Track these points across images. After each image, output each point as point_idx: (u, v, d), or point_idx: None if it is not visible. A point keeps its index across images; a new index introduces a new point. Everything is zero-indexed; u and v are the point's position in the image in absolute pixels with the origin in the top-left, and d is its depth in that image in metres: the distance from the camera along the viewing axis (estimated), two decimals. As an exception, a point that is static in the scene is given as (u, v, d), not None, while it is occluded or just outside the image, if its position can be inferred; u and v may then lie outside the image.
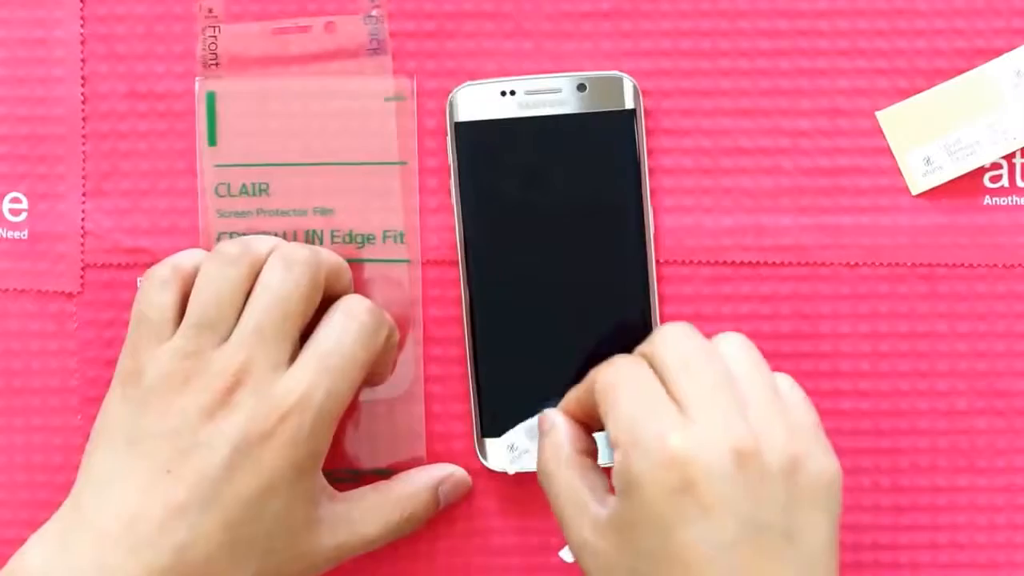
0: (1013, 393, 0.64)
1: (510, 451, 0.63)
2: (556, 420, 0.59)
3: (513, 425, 0.63)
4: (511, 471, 0.63)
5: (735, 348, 0.56)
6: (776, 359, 0.60)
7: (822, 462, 0.54)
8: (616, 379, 0.56)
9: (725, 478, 0.53)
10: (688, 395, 0.54)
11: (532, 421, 0.61)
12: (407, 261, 0.64)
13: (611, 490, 0.56)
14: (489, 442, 0.63)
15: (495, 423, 0.63)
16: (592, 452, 0.59)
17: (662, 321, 0.63)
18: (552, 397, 0.60)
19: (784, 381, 0.57)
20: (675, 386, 0.55)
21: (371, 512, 0.61)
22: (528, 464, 0.63)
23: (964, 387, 0.64)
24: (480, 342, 0.63)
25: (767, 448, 0.54)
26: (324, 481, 0.60)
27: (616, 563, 0.55)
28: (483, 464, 0.63)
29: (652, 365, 0.56)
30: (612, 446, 0.55)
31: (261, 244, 0.59)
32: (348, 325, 0.59)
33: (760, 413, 0.54)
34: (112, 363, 0.63)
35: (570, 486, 0.57)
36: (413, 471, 0.63)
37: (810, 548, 0.54)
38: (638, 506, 0.54)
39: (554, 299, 0.63)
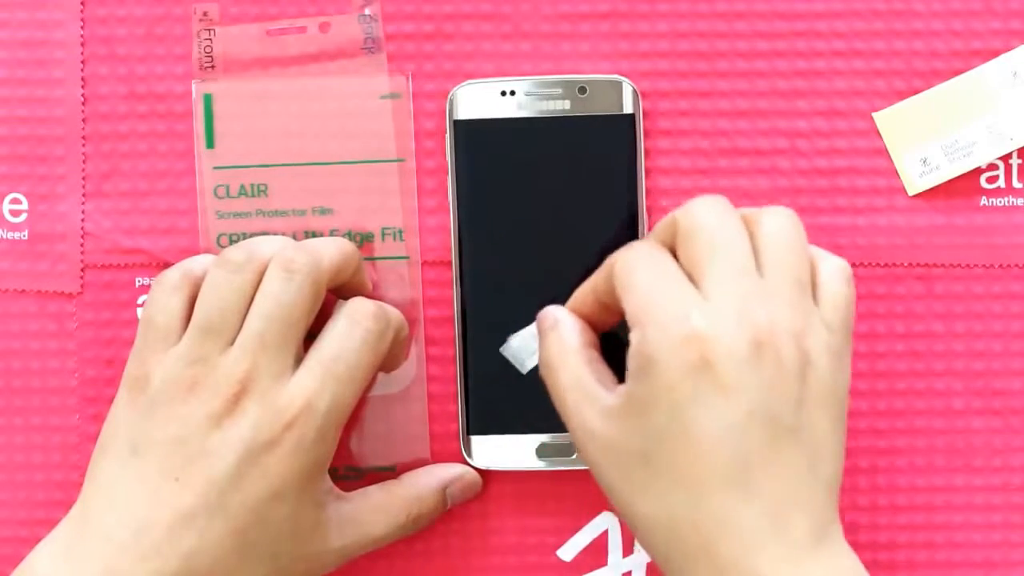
0: (1009, 393, 0.64)
1: (522, 350, 0.61)
2: (560, 315, 0.58)
3: (500, 424, 0.63)
4: (526, 369, 0.60)
5: (774, 229, 0.55)
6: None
7: (834, 366, 0.54)
8: (635, 259, 0.55)
9: (742, 363, 0.52)
10: (710, 277, 0.54)
11: (534, 326, 0.59)
12: (406, 258, 0.64)
13: (618, 382, 0.55)
14: (475, 439, 0.63)
15: (481, 421, 0.63)
16: (598, 347, 0.58)
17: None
18: (539, 396, 0.60)
19: (829, 268, 0.56)
20: (698, 265, 0.54)
21: (378, 512, 0.61)
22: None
23: (961, 387, 0.64)
24: (470, 340, 0.63)
25: (783, 343, 0.53)
26: (330, 482, 0.60)
27: (623, 448, 0.54)
28: (468, 462, 0.63)
29: (677, 236, 0.55)
30: (630, 326, 0.54)
31: (266, 248, 0.59)
32: (353, 331, 0.59)
33: (781, 306, 0.54)
34: (112, 363, 0.64)
35: (577, 375, 0.56)
36: (421, 471, 0.63)
37: (815, 444, 0.53)
38: (652, 385, 0.53)
39: (547, 301, 0.62)
